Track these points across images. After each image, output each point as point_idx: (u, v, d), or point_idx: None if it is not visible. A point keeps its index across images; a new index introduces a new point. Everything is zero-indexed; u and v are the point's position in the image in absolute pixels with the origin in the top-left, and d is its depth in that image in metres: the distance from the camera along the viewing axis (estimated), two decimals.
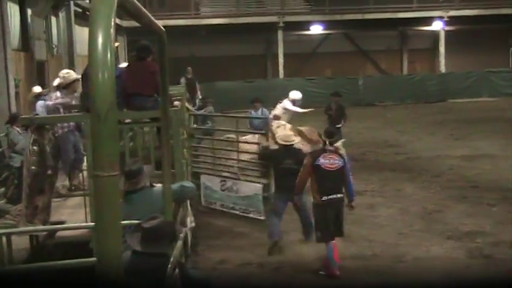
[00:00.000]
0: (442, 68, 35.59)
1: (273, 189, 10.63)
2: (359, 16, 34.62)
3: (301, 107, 15.78)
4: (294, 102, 15.59)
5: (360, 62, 40.10)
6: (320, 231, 8.86)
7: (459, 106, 30.87)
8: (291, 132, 11.00)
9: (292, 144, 10.14)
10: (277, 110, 15.35)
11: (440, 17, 35.01)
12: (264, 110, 16.06)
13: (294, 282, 8.70)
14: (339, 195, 8.86)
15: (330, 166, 8.84)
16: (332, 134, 9.36)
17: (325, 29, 36.79)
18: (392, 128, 23.76)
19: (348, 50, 40.12)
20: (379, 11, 34.55)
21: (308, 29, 36.71)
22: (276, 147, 10.67)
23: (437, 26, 35.75)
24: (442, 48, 35.58)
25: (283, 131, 11.38)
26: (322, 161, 8.86)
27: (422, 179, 14.67)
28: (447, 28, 35.80)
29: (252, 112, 16.14)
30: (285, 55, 34.53)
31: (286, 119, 14.65)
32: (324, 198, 8.78)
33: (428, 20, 35.78)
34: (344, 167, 8.93)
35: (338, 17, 34.78)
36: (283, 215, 10.01)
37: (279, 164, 9.97)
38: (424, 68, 40.62)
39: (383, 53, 40.88)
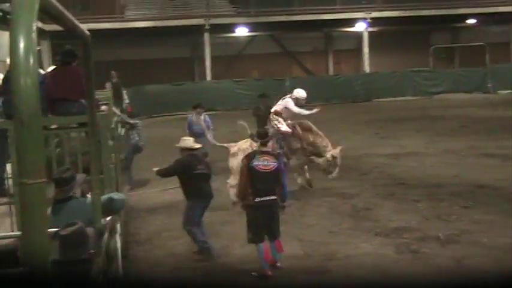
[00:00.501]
0: (367, 68, 36.28)
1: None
2: (284, 18, 34.94)
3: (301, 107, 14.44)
4: (296, 101, 14.28)
5: (287, 63, 40.48)
6: (251, 233, 8.88)
7: (384, 105, 31.53)
8: (190, 139, 10.32)
9: (197, 149, 9.98)
10: (278, 106, 14.26)
11: (364, 19, 35.72)
12: (207, 116, 15.91)
13: (225, 284, 8.70)
14: (272, 197, 8.84)
15: (264, 168, 8.86)
16: (263, 135, 9.41)
17: (251, 31, 36.97)
18: (320, 128, 23.93)
19: (275, 52, 40.46)
20: (304, 12, 34.98)
21: (234, 31, 36.81)
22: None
23: (360, 27, 36.44)
24: (366, 49, 36.26)
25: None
26: (256, 162, 8.87)
27: (349, 177, 14.86)
28: (370, 29, 36.54)
29: (194, 117, 15.77)
30: (212, 57, 34.52)
31: (286, 117, 13.99)
32: (257, 199, 8.79)
33: (352, 22, 36.44)
34: (279, 169, 8.97)
35: (264, 19, 35.01)
36: (202, 221, 9.82)
37: (193, 170, 9.59)
38: (349, 69, 41.35)
39: (309, 54, 41.39)
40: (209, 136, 14.30)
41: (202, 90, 32.59)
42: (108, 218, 5.80)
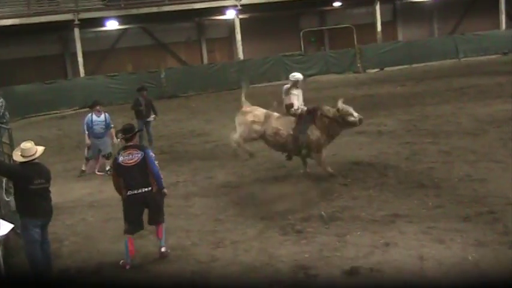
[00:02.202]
0: (240, 55, 36.56)
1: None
2: (155, 9, 34.58)
3: None
4: (296, 83, 13.67)
5: (161, 55, 40.15)
6: (127, 224, 9.00)
7: (259, 91, 31.79)
8: (31, 144, 8.43)
9: (35, 159, 8.47)
10: (290, 98, 13.56)
11: (234, 6, 35.93)
12: (107, 114, 15.58)
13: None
14: (144, 189, 8.94)
15: (129, 161, 8.93)
16: (127, 131, 9.31)
17: (122, 24, 36.39)
18: (198, 118, 24.10)
19: (148, 44, 40.02)
20: (175, 3, 34.78)
21: (105, 25, 36.11)
22: None
23: (231, 14, 36.66)
24: (238, 36, 36.51)
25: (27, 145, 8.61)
26: (122, 158, 8.99)
27: (232, 164, 15.01)
28: (241, 16, 36.84)
29: (94, 117, 15.30)
30: (84, 53, 33.68)
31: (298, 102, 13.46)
32: (129, 193, 8.92)
33: (222, 9, 36.61)
34: (145, 158, 9.00)
35: (134, 11, 34.54)
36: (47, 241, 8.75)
37: (29, 184, 8.25)
38: (223, 57, 41.56)
39: (182, 45, 41.24)
40: (108, 136, 14.66)
41: (76, 87, 31.85)
42: None
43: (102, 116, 15.29)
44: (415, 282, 7.64)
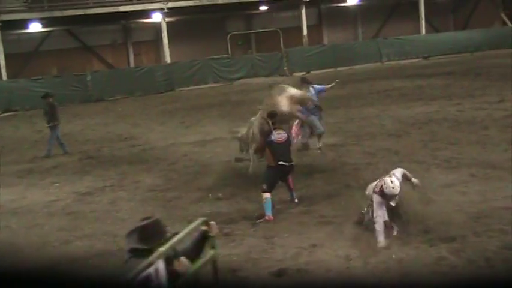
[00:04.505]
0: (168, 59, 36.35)
1: None
2: (80, 12, 34.01)
3: None
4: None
5: (86, 58, 39.56)
6: None
7: (187, 94, 31.92)
8: None
9: None
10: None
11: (160, 9, 35.71)
12: None
13: None
14: None
15: None
16: None
17: (45, 26, 35.64)
18: (125, 122, 23.88)
19: (73, 47, 39.33)
20: (100, 5, 34.32)
21: (28, 27, 35.30)
22: None
23: (158, 17, 36.43)
24: (165, 39, 36.32)
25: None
26: None
27: (159, 168, 14.97)
28: (168, 19, 36.67)
29: None
30: (6, 56, 32.85)
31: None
32: None
33: (149, 12, 36.34)
34: None
35: (58, 14, 33.88)
36: None
37: None
38: (150, 60, 41.28)
39: (109, 48, 40.73)
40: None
41: None
42: None
43: None
44: (341, 281, 7.81)
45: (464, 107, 19.45)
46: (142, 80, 33.79)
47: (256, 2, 38.65)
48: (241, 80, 34.76)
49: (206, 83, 34.74)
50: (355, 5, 43.90)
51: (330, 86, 15.53)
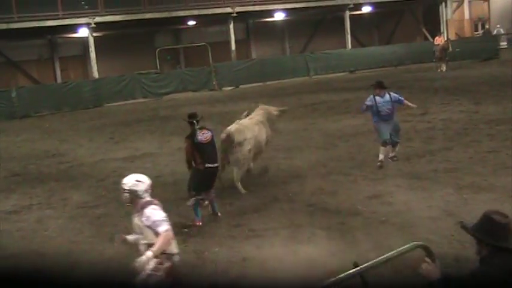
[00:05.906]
0: (95, 74, 35.91)
1: None
2: (4, 26, 33.18)
3: None
4: None
5: (11, 73, 38.76)
6: None
7: (115, 109, 31.59)
8: None
9: None
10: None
11: (87, 24, 35.27)
12: None
13: None
14: None
15: None
16: None
17: None
18: (52, 138, 23.47)
19: None
20: (25, 20, 33.53)
21: None
22: None
23: (84, 32, 35.99)
24: (93, 54, 35.87)
25: None
26: None
27: (87, 184, 14.81)
28: (96, 34, 36.27)
29: None
30: None
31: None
32: None
33: (75, 27, 35.83)
34: None
35: None
36: None
37: None
38: (77, 75, 40.78)
39: (34, 63, 40.06)
40: None
41: None
42: None
43: None
44: None
45: None
46: (69, 96, 33.22)
47: (184, 17, 38.65)
48: (170, 95, 34.66)
49: (135, 98, 34.46)
50: (282, 20, 44.46)
51: (410, 104, 14.69)
